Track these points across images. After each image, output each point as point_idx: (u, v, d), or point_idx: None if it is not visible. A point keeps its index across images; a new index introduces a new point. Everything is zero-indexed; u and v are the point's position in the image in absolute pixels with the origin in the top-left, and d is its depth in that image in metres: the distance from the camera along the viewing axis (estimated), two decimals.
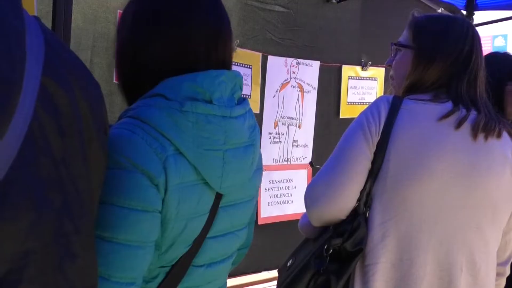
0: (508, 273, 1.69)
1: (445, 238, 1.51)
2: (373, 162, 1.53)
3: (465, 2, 4.21)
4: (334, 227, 1.58)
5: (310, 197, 1.60)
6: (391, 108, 1.55)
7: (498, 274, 1.65)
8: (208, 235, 1.19)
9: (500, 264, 1.66)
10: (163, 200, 1.08)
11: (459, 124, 1.52)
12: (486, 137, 1.53)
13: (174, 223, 1.11)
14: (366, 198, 1.54)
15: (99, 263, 0.90)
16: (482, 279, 1.55)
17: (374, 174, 1.53)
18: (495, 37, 9.87)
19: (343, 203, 1.55)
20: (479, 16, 4.28)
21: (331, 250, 1.54)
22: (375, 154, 1.53)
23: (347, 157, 1.56)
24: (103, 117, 0.91)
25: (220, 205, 1.20)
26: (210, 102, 1.13)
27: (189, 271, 1.18)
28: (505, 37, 10.18)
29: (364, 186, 1.54)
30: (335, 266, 1.54)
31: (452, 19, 1.71)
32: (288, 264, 1.67)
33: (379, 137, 1.53)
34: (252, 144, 1.25)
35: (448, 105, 1.54)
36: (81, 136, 0.81)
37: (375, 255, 1.51)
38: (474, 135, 1.53)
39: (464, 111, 1.53)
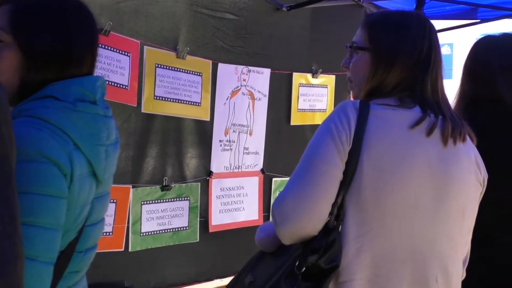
0: (464, 275, 1.64)
1: (420, 250, 1.46)
2: (344, 173, 1.43)
3: (412, 10, 4.30)
4: (304, 244, 1.47)
5: (280, 214, 1.46)
6: (360, 114, 1.46)
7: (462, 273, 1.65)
8: (87, 223, 1.33)
9: (463, 263, 1.64)
10: (68, 188, 1.23)
11: (430, 131, 1.46)
12: (454, 143, 1.50)
13: (73, 210, 1.26)
14: (338, 211, 1.44)
15: (25, 247, 0.98)
16: (453, 287, 1.54)
17: (346, 185, 1.43)
18: (441, 45, 10.13)
19: (316, 218, 1.43)
20: None
21: (303, 268, 1.44)
22: (346, 163, 1.43)
23: (317, 168, 1.44)
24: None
25: (95, 195, 1.36)
26: (95, 103, 1.34)
27: (73, 257, 1.32)
28: (451, 45, 10.49)
29: (336, 198, 1.44)
30: (308, 285, 1.44)
31: (408, 15, 1.63)
32: (247, 282, 1.57)
33: (351, 145, 1.43)
34: (118, 142, 1.48)
35: (416, 110, 1.48)
36: None
37: (350, 271, 1.43)
38: (445, 141, 1.48)
39: (433, 117, 1.48)
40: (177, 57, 3.17)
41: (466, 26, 4.52)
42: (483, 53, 2.07)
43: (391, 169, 1.44)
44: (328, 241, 1.43)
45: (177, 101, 3.20)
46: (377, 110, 1.47)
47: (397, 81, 1.52)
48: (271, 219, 1.61)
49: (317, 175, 1.43)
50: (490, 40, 2.12)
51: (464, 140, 1.52)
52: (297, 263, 1.45)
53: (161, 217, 3.20)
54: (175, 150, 3.27)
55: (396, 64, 1.52)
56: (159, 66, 3.10)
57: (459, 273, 1.56)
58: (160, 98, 3.12)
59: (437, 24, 4.51)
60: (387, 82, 1.53)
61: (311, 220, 1.44)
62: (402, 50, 1.53)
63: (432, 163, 1.46)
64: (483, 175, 1.58)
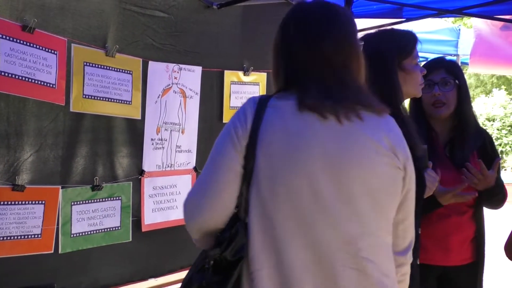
0: (410, 260, 1.69)
1: (323, 235, 1.48)
2: (245, 166, 1.51)
3: None
4: (216, 237, 1.54)
5: (186, 211, 1.58)
6: (258, 108, 1.53)
7: (400, 265, 1.65)
8: None
9: (399, 253, 1.64)
10: None
11: (321, 114, 1.50)
12: (351, 126, 1.51)
13: None
14: (245, 204, 1.52)
15: None
16: (373, 272, 1.51)
17: (247, 178, 1.51)
18: None
19: (217, 212, 1.53)
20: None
21: (212, 262, 1.50)
22: (246, 157, 1.51)
23: (216, 164, 1.54)
24: None
25: None
26: None
27: None
28: None
29: (241, 191, 1.52)
30: (218, 278, 1.50)
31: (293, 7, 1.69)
32: None
33: (248, 139, 1.50)
34: None
35: (309, 96, 1.53)
36: None
37: (258, 261, 1.49)
38: (339, 121, 1.50)
39: (326, 101, 1.52)
40: (106, 55, 3.12)
41: (393, 25, 4.66)
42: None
43: (282, 158, 1.49)
44: (231, 233, 1.51)
45: (107, 99, 3.16)
46: (274, 102, 1.54)
47: (290, 74, 1.60)
48: None
49: (216, 170, 1.53)
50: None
51: (361, 119, 1.53)
52: (206, 258, 1.53)
53: (92, 218, 3.15)
54: (105, 150, 3.23)
55: (287, 58, 1.62)
56: (88, 64, 3.05)
57: (380, 258, 1.54)
58: (89, 97, 3.07)
59: (365, 22, 4.64)
60: (283, 76, 1.62)
61: (214, 214, 1.53)
62: (285, 44, 1.64)
63: (328, 147, 1.49)
64: (402, 159, 1.56)
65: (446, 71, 2.68)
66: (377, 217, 1.55)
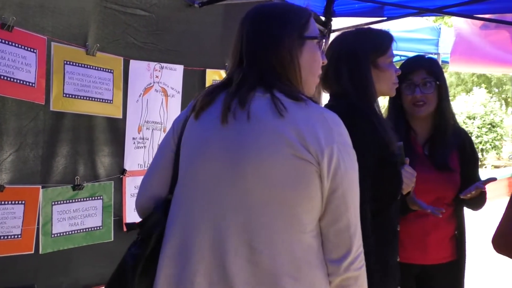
0: (347, 274, 1.54)
1: (216, 223, 1.53)
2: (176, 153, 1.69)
3: (323, 8, 4.41)
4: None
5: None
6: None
7: (331, 274, 1.55)
8: None
9: (332, 261, 1.55)
10: None
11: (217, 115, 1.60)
12: (235, 118, 1.55)
13: None
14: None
15: None
16: (268, 267, 1.49)
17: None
18: None
19: (144, 193, 1.75)
20: (336, 22, 4.51)
21: (139, 237, 1.68)
22: (177, 145, 1.69)
23: (157, 152, 1.79)
24: None
25: None
26: None
27: None
28: None
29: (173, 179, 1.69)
30: (138, 251, 1.66)
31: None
32: None
33: (179, 131, 1.69)
34: None
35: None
36: None
37: (166, 240, 1.61)
38: (223, 119, 1.56)
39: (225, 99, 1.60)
40: (86, 54, 3.10)
41: (374, 24, 4.69)
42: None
43: (186, 151, 1.64)
44: (150, 213, 1.68)
45: (87, 98, 3.14)
46: None
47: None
48: None
49: (154, 158, 1.78)
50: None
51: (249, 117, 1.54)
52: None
53: (74, 217, 3.13)
54: (86, 149, 3.20)
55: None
56: (68, 63, 3.02)
57: (282, 257, 1.50)
58: (70, 96, 3.05)
59: (347, 21, 4.66)
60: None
61: (141, 195, 1.76)
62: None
63: (225, 143, 1.56)
64: (315, 152, 1.49)
65: (427, 72, 2.69)
66: (276, 210, 1.50)
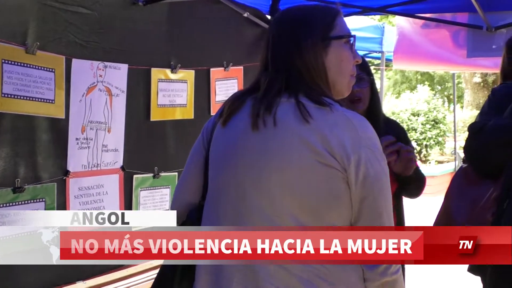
0: (382, 279, 1.51)
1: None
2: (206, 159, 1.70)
3: (269, 6, 4.43)
4: None
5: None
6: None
7: (367, 280, 1.52)
8: None
9: (369, 267, 1.51)
10: None
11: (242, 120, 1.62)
12: (267, 126, 1.53)
13: None
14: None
15: None
16: (300, 273, 1.48)
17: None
18: None
19: (179, 198, 1.76)
20: None
21: None
22: (207, 151, 1.70)
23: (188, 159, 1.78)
24: None
25: None
26: None
27: None
28: None
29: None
30: None
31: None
32: None
33: (210, 136, 1.70)
34: None
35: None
36: None
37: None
38: (253, 126, 1.55)
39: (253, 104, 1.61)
40: (26, 52, 3.01)
41: None
42: None
43: (215, 158, 1.66)
44: (184, 220, 1.69)
45: (28, 98, 3.05)
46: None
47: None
48: None
49: (186, 165, 1.77)
50: None
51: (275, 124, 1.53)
52: None
53: (14, 221, 3.04)
54: (27, 150, 3.12)
55: None
56: (6, 62, 2.93)
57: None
58: (9, 96, 2.96)
59: None
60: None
61: (175, 202, 1.76)
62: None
63: (252, 150, 1.56)
64: (341, 158, 1.47)
65: (360, 68, 2.73)
66: (304, 219, 1.49)
